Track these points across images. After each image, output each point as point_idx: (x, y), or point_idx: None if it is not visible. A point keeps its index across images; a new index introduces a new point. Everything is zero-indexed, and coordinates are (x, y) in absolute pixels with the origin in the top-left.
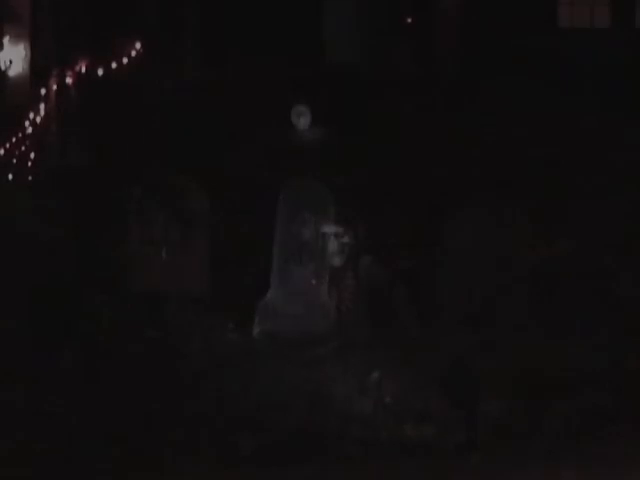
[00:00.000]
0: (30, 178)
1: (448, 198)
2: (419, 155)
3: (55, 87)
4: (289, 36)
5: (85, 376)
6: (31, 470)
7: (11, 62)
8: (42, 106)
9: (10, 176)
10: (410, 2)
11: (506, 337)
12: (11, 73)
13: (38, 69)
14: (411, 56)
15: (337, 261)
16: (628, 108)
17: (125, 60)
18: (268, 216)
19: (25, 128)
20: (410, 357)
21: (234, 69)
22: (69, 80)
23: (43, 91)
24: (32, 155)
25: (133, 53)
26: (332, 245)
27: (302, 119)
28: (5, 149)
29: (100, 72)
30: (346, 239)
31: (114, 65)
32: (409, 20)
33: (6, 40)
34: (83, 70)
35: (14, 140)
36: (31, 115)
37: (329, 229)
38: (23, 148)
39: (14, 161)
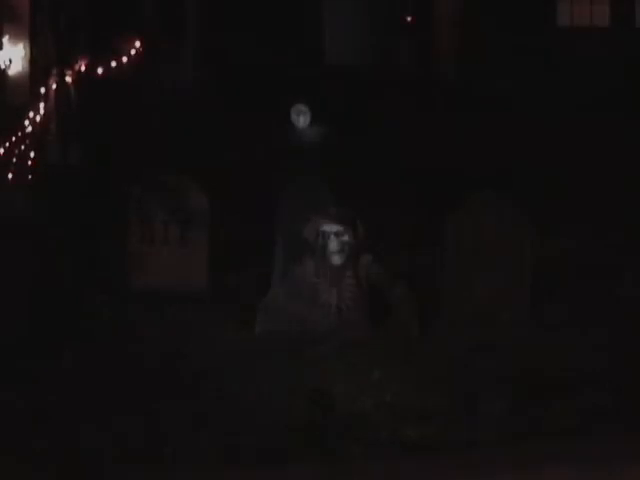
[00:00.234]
0: (30, 178)
1: (448, 198)
2: (419, 154)
3: (55, 87)
4: (289, 36)
5: (85, 376)
6: (31, 469)
7: (11, 61)
8: (42, 105)
9: (10, 175)
10: (410, 2)
11: (506, 337)
12: (11, 72)
13: (38, 68)
14: (411, 56)
15: (337, 260)
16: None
17: (125, 60)
18: (268, 216)
19: (25, 127)
20: (410, 356)
21: (234, 69)
22: (69, 79)
23: (43, 90)
24: (32, 154)
25: (133, 53)
26: (332, 244)
27: (302, 117)
28: (5, 148)
29: (100, 72)
30: (346, 238)
31: (114, 65)
32: (409, 20)
33: (6, 39)
34: (83, 70)
35: (14, 139)
36: (31, 114)
37: (329, 228)
38: (23, 147)
39: (14, 160)
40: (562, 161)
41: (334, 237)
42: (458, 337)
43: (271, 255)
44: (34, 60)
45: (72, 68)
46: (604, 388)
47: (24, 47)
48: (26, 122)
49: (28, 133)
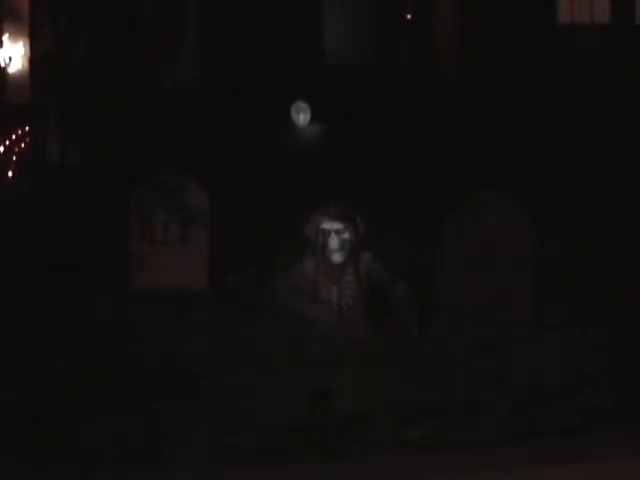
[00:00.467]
0: (30, 177)
1: (448, 198)
2: (419, 154)
3: (54, 85)
4: (289, 36)
5: (85, 376)
6: (31, 469)
7: (10, 59)
8: (41, 104)
9: (10, 175)
10: (410, 2)
11: (506, 337)
12: (10, 70)
13: (37, 66)
14: (411, 56)
15: (338, 258)
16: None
17: (125, 60)
18: (268, 215)
19: (24, 126)
20: (410, 356)
21: (234, 69)
22: (69, 79)
23: (42, 89)
24: (32, 154)
25: (133, 52)
26: (333, 242)
27: (302, 116)
28: (5, 147)
29: (100, 71)
30: (347, 236)
31: (114, 65)
32: (409, 20)
33: (5, 37)
34: (82, 69)
35: (14, 138)
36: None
37: (329, 225)
38: (23, 146)
39: (14, 159)
40: (562, 161)
41: (334, 235)
42: (458, 337)
43: (271, 254)
44: (34, 58)
45: (71, 67)
46: (604, 388)
47: (24, 45)
48: (26, 121)
49: (28, 132)
